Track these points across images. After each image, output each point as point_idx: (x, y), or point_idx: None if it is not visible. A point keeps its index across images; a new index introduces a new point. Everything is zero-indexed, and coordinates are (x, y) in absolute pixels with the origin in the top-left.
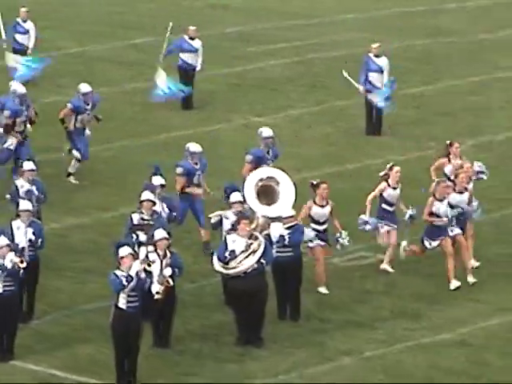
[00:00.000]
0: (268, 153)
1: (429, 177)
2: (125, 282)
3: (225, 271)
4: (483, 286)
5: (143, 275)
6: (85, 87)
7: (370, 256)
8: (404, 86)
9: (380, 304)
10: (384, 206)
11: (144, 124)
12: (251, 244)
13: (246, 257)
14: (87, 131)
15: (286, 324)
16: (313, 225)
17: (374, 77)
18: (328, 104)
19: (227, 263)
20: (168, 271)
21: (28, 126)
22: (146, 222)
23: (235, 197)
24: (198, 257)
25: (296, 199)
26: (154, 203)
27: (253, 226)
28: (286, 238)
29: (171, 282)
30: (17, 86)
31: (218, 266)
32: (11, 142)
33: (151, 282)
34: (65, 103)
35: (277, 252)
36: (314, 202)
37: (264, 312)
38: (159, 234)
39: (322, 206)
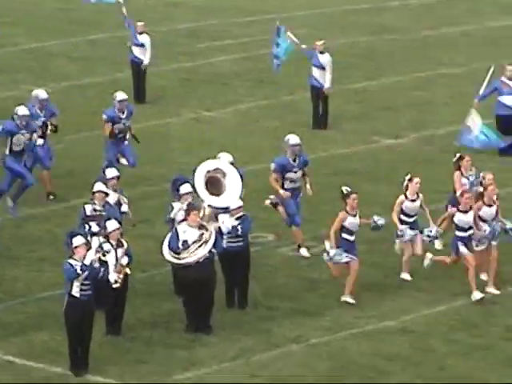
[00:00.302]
0: (294, 160)
1: (378, 170)
2: (79, 271)
3: (176, 261)
4: (425, 275)
5: (97, 264)
6: (121, 95)
7: (317, 245)
8: (348, 81)
9: (326, 292)
10: (402, 217)
11: (97, 117)
12: (203, 234)
13: (199, 247)
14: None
15: (234, 312)
16: (345, 235)
17: (316, 72)
18: (276, 99)
19: (178, 253)
20: (125, 260)
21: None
22: (98, 212)
23: (185, 188)
24: (149, 247)
25: (242, 191)
26: (107, 194)
27: (200, 215)
28: (238, 228)
29: (129, 271)
30: (38, 92)
31: (168, 255)
32: (40, 143)
33: (107, 272)
34: (21, 99)
35: (228, 242)
36: (347, 212)
37: (213, 300)
38: (111, 225)
39: (354, 216)
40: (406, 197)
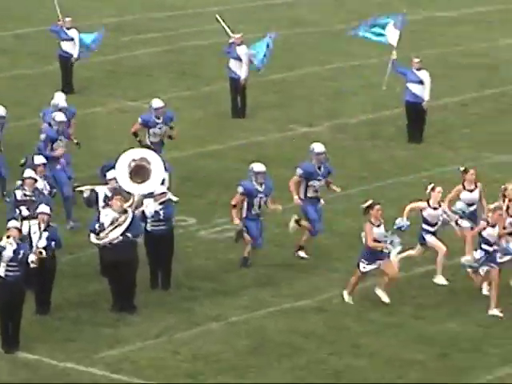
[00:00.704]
0: (319, 168)
1: (295, 157)
2: None
3: (96, 241)
4: (338, 256)
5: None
6: (156, 103)
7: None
8: (265, 72)
9: (244, 273)
10: (424, 226)
11: (26, 107)
12: (118, 218)
13: (113, 229)
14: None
15: (158, 292)
16: None
17: (234, 64)
18: (197, 90)
19: (99, 234)
20: (42, 243)
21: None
22: (28, 197)
23: (111, 174)
24: (76, 231)
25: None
26: (36, 180)
27: (128, 203)
28: (161, 213)
29: (44, 253)
30: (58, 100)
31: (92, 237)
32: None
33: (28, 253)
34: None
35: (151, 226)
36: (371, 223)
37: (135, 281)
38: (41, 208)
39: (378, 226)
40: (429, 204)
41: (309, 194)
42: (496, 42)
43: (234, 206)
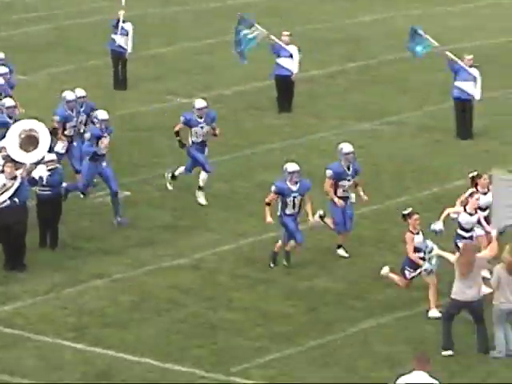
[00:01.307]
0: (348, 168)
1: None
2: None
3: None
4: (214, 218)
5: None
6: (199, 103)
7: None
8: (145, 46)
9: (127, 234)
10: (460, 231)
11: None
12: (5, 184)
13: (1, 194)
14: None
15: (46, 252)
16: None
17: (119, 39)
18: (82, 63)
19: None
20: None
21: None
22: None
23: (1, 143)
24: None
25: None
26: None
27: (20, 171)
28: (45, 178)
29: None
30: (65, 93)
31: None
32: (62, 146)
33: None
34: None
35: (39, 190)
36: (411, 233)
37: (24, 242)
38: None
39: (418, 234)
40: (465, 210)
41: (338, 194)
42: (358, 18)
43: (268, 204)
